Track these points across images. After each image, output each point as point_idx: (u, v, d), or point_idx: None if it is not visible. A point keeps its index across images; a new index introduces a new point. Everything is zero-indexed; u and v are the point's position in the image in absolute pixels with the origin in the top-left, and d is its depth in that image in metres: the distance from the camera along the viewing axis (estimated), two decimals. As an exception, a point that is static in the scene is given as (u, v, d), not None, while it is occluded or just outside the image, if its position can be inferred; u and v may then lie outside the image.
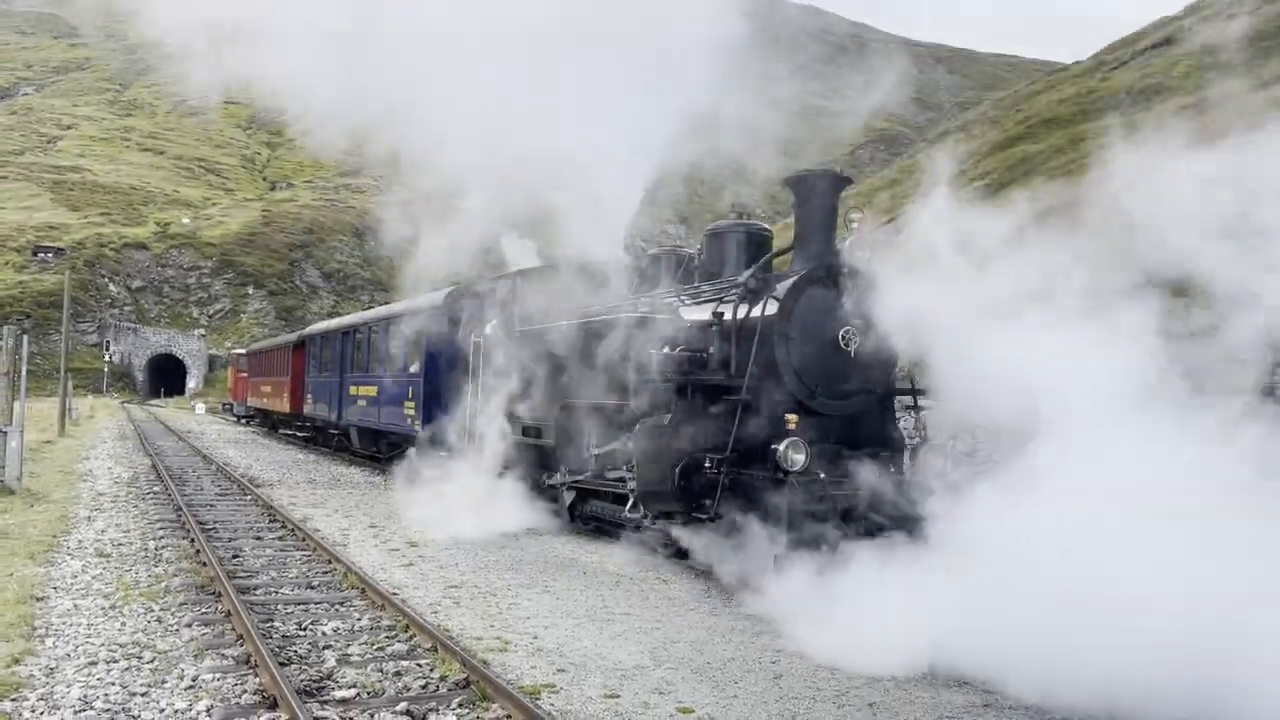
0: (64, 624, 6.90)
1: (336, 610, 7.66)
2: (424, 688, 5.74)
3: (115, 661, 6.06)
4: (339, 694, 5.56)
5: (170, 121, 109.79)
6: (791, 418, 8.30)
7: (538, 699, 5.40)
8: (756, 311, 8.86)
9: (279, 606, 7.67)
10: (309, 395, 25.84)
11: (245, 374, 40.12)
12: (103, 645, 6.39)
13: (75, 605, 7.46)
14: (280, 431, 32.36)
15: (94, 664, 5.99)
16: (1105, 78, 53.81)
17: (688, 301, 10.21)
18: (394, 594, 7.95)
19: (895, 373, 9.43)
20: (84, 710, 5.21)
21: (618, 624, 7.34)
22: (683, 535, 8.95)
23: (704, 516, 8.46)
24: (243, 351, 45.29)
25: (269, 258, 76.06)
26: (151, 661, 6.11)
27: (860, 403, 9.11)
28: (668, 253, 11.85)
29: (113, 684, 5.64)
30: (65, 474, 17.09)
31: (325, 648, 6.51)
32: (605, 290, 11.55)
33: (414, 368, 16.70)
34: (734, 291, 9.28)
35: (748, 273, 9.27)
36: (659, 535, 9.48)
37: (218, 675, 5.86)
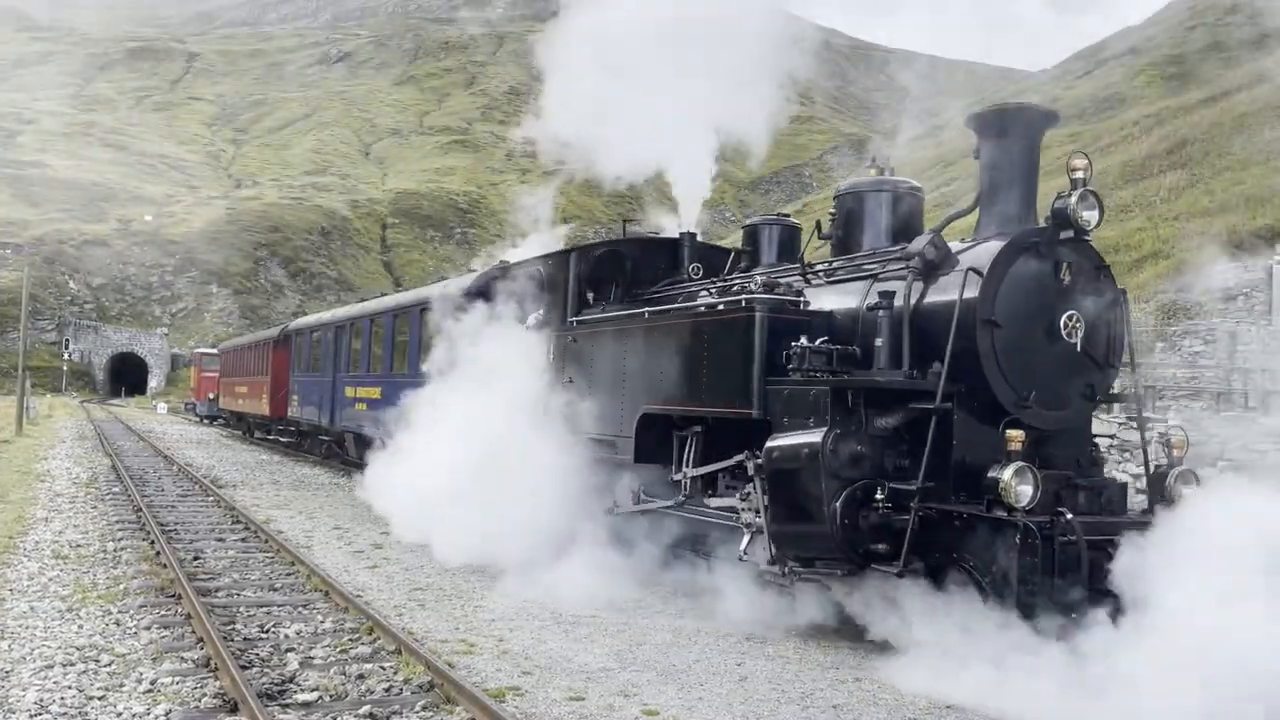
0: (20, 626, 6.79)
1: (299, 613, 7.58)
2: (388, 690, 5.70)
3: (72, 664, 5.96)
4: (301, 697, 5.52)
5: (133, 117, 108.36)
6: (1015, 434, 6.29)
7: (502, 701, 5.38)
8: (944, 293, 6.90)
9: (241, 609, 7.58)
10: (294, 397, 23.61)
11: (215, 373, 39.14)
12: (59, 648, 6.29)
13: (31, 608, 7.33)
14: (256, 436, 29.92)
15: (50, 667, 5.90)
16: (1069, 86, 54.54)
17: (817, 281, 8.16)
18: (358, 596, 7.89)
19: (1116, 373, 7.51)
20: (40, 714, 5.13)
21: (584, 626, 7.33)
22: (840, 590, 7.05)
23: (892, 570, 6.34)
24: (210, 350, 44.52)
25: (234, 256, 75.18)
26: (109, 665, 6.02)
27: (1078, 413, 7.23)
28: (769, 223, 9.82)
29: (69, 687, 5.55)
30: (22, 474, 16.79)
31: (288, 650, 6.44)
32: (678, 271, 10.14)
33: (427, 366, 15.09)
34: (895, 266, 7.38)
35: (924, 239, 7.13)
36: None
37: (177, 678, 5.78)
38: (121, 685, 5.64)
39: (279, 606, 7.75)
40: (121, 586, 8.18)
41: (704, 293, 9.13)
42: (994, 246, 6.88)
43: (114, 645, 6.44)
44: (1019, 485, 6.05)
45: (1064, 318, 6.84)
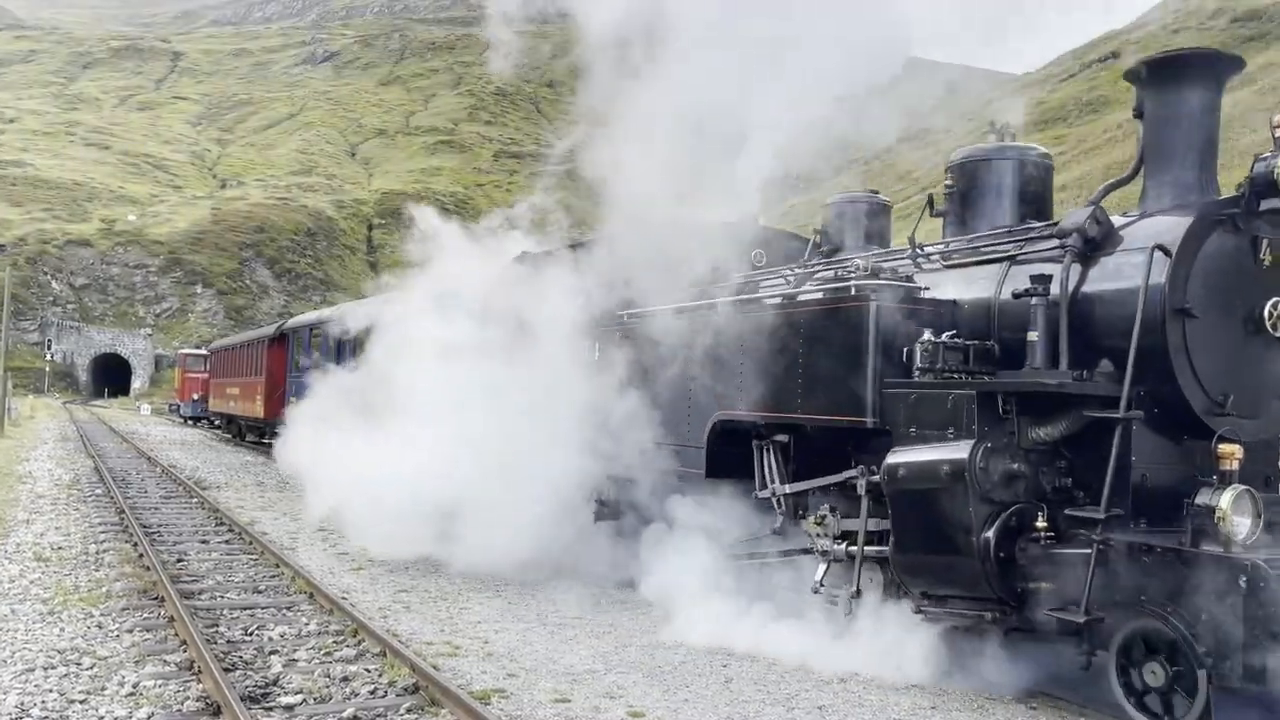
0: (0, 630, 6.73)
1: (284, 615, 7.55)
2: (372, 693, 5.67)
3: (53, 668, 5.92)
4: (285, 700, 5.48)
5: (117, 116, 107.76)
6: (1231, 449, 5.15)
7: (488, 703, 5.37)
8: (1112, 277, 5.85)
9: (224, 611, 7.54)
10: (292, 398, 22.20)
11: (201, 374, 38.77)
12: (40, 651, 6.24)
13: (12, 610, 7.27)
14: (249, 439, 28.54)
15: (31, 670, 5.85)
16: (1054, 89, 54.87)
17: (929, 265, 7.07)
18: (343, 598, 7.86)
19: None
20: (21, 718, 5.09)
21: (569, 628, 7.32)
22: (988, 638, 5.94)
23: (1075, 618, 5.22)
24: (196, 351, 44.21)
25: (218, 256, 74.87)
26: (91, 668, 5.97)
27: (1274, 422, 6.01)
28: (855, 200, 8.64)
29: (50, 691, 5.50)
30: (3, 475, 16.66)
31: (271, 653, 6.41)
32: (739, 258, 8.76)
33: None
34: (1042, 245, 6.30)
35: (1083, 213, 6.01)
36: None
37: (159, 681, 5.75)
38: (103, 688, 5.60)
39: (263, 609, 7.71)
40: (104, 589, 8.12)
41: (776, 281, 8.07)
42: (1179, 221, 5.75)
43: (96, 648, 6.39)
44: (1236, 516, 4.94)
45: (1268, 306, 5.75)
